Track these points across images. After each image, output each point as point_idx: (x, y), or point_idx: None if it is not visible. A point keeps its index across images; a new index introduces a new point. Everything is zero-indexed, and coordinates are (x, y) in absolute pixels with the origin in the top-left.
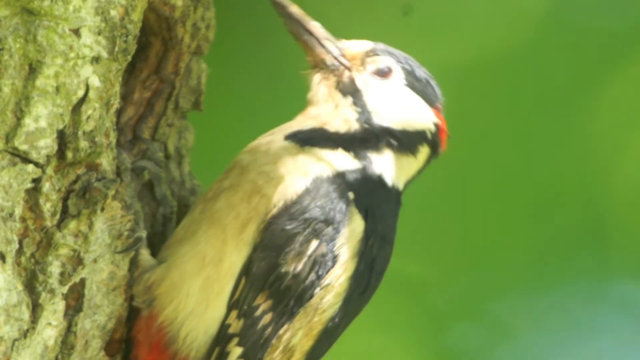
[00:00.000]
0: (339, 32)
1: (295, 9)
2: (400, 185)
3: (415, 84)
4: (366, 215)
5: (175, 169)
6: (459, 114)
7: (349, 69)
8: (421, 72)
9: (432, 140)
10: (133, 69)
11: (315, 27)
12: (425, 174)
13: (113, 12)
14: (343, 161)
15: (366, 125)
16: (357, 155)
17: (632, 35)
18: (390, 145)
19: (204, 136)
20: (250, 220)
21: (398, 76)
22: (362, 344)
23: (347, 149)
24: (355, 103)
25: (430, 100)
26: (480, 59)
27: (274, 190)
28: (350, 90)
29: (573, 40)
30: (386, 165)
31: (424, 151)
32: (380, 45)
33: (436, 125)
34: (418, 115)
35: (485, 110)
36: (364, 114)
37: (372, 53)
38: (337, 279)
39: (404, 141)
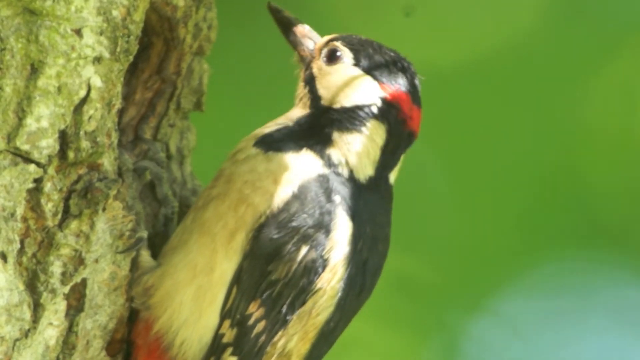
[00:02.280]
0: (341, 33)
1: (287, 14)
2: (369, 171)
3: (364, 62)
4: (353, 218)
5: (177, 169)
6: (459, 112)
7: (313, 59)
8: (377, 53)
9: (382, 116)
10: (135, 69)
11: (300, 27)
12: (425, 171)
13: (115, 13)
14: (316, 164)
15: (314, 110)
16: (320, 155)
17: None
18: (336, 127)
19: (205, 136)
20: (238, 229)
21: (347, 58)
22: (364, 342)
23: (309, 147)
24: (309, 90)
25: (379, 77)
26: (481, 58)
27: (260, 199)
28: (308, 79)
29: (572, 38)
30: (344, 155)
31: (374, 128)
32: (343, 35)
33: (384, 100)
34: (360, 90)
35: (486, 109)
36: (314, 99)
37: (329, 41)
38: (328, 283)
39: (345, 117)
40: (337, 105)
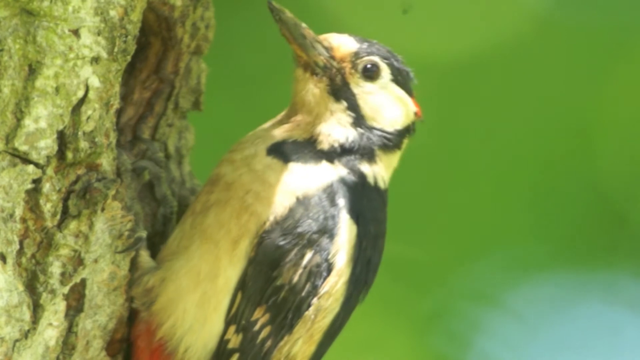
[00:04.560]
0: (339, 30)
1: (289, 14)
2: (388, 179)
3: (398, 77)
4: (357, 219)
5: (175, 169)
6: (457, 109)
7: (341, 72)
8: (400, 62)
9: (413, 129)
10: (133, 69)
11: (307, 30)
12: (425, 165)
13: (112, 13)
14: (329, 171)
15: (361, 130)
16: (347, 165)
17: (628, 32)
18: (383, 147)
19: (204, 136)
20: (242, 236)
21: (385, 73)
22: (364, 332)
23: (333, 159)
24: (349, 108)
25: (409, 90)
26: (479, 56)
27: (264, 208)
28: (344, 95)
29: (572, 35)
30: (379, 171)
31: (406, 142)
32: (364, 44)
33: (415, 114)
34: (405, 110)
35: (484, 105)
36: (358, 119)
37: (360, 54)
38: (334, 287)
39: (395, 140)
40: (390, 128)
